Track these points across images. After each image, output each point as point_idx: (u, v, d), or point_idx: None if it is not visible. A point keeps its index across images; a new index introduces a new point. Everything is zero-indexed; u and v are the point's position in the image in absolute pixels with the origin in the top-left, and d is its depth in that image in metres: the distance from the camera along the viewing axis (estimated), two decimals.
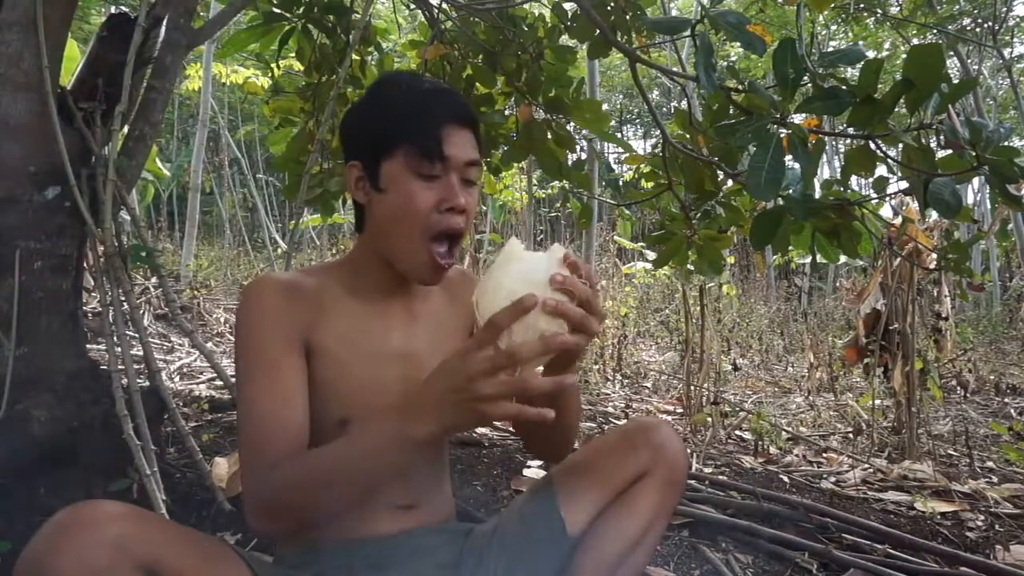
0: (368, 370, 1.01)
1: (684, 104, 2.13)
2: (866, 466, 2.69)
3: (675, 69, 2.25)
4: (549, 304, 0.76)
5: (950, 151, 1.34)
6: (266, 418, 0.92)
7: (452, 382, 0.78)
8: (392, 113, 0.98)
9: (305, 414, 0.95)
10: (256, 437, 0.91)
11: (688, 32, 1.50)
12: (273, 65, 2.51)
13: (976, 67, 11.15)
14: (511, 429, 1.20)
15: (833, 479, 2.54)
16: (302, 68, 2.53)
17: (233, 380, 1.67)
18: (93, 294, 3.92)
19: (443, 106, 0.98)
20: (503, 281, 0.79)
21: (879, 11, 8.04)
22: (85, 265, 1.88)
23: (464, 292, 1.16)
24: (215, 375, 3.49)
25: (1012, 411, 4.58)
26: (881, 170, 1.51)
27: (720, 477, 2.32)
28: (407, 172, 0.96)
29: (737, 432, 3.27)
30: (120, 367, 1.63)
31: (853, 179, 1.61)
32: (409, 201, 0.96)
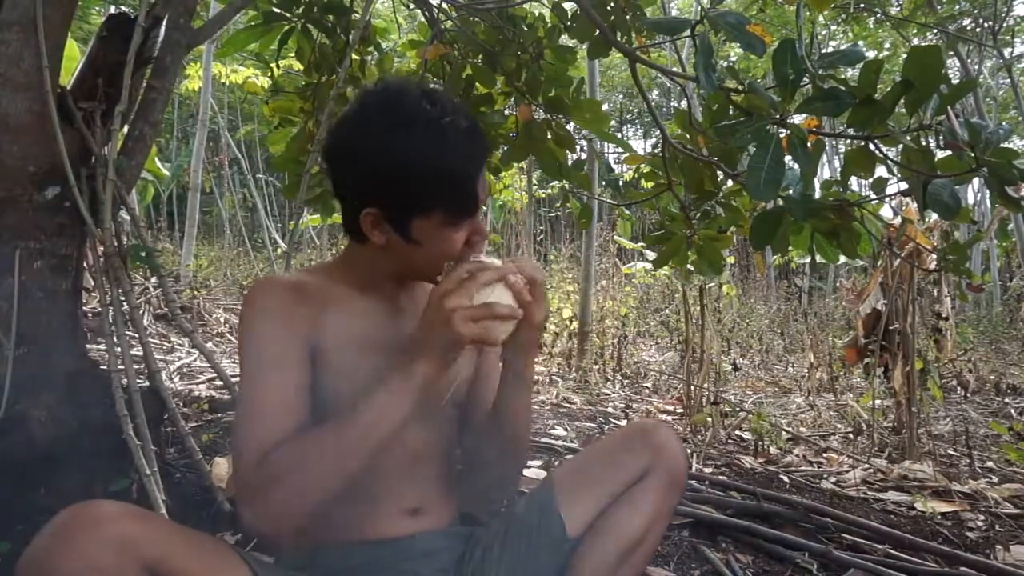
0: (374, 369, 0.99)
1: (684, 104, 2.13)
2: (866, 466, 2.69)
3: (675, 69, 2.25)
4: (510, 278, 0.90)
5: (949, 152, 1.34)
6: (267, 415, 0.90)
7: (430, 312, 0.90)
8: (424, 173, 0.91)
9: (307, 415, 0.94)
10: (252, 431, 0.89)
11: (688, 32, 1.50)
12: (273, 65, 2.51)
13: (976, 67, 11.14)
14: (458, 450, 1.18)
15: (833, 479, 2.54)
16: (302, 68, 2.52)
17: (233, 380, 1.67)
18: (93, 294, 3.92)
19: (476, 157, 0.96)
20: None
21: (879, 11, 8.03)
22: (85, 265, 1.88)
23: None
24: (215, 375, 3.49)
25: (1012, 411, 4.57)
26: (880, 171, 1.51)
27: (720, 477, 2.32)
28: (442, 227, 0.95)
29: (737, 432, 3.27)
30: (120, 367, 1.63)
31: (853, 180, 1.61)
32: (447, 249, 0.96)
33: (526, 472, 2.22)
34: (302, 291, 0.99)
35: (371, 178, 0.94)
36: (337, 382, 0.97)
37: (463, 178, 0.93)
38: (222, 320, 5.67)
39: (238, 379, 0.99)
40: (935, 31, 7.40)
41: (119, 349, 1.66)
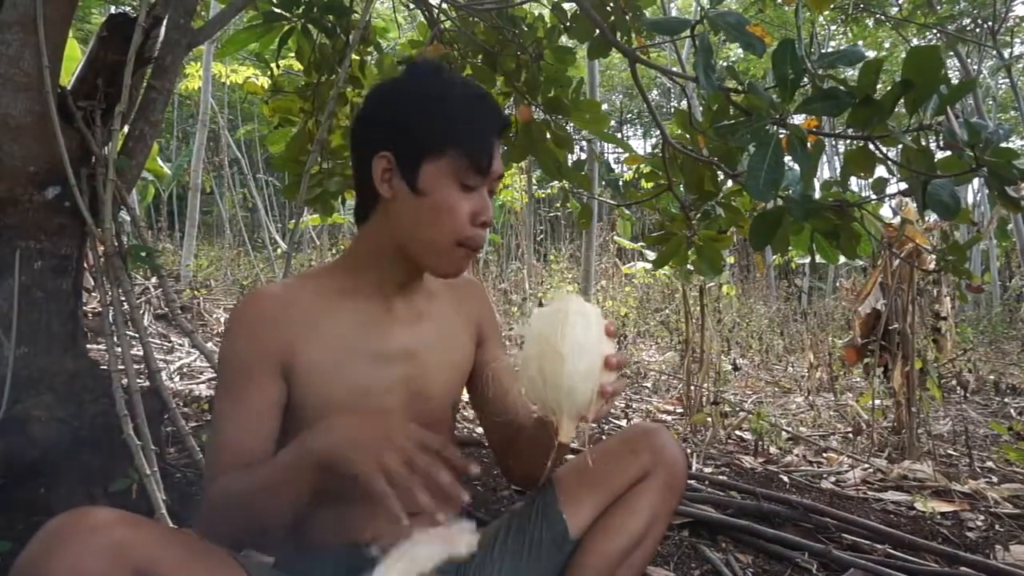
0: (369, 373, 1.00)
1: (684, 104, 2.13)
2: (866, 466, 2.69)
3: (675, 69, 2.25)
4: (607, 389, 0.88)
5: (949, 152, 1.34)
6: (226, 440, 0.94)
7: (369, 433, 0.83)
8: (447, 111, 0.94)
9: (267, 441, 0.95)
10: (214, 455, 0.95)
11: (687, 33, 1.50)
12: (273, 65, 2.51)
13: (976, 67, 11.14)
14: (486, 443, 1.19)
15: (833, 479, 2.54)
16: (302, 68, 2.52)
17: None
18: (93, 294, 3.92)
19: (496, 116, 0.97)
20: (562, 350, 0.87)
21: (879, 12, 8.03)
22: (85, 265, 1.88)
23: (470, 297, 1.16)
24: (215, 375, 3.49)
25: (1012, 411, 4.58)
26: (880, 171, 1.51)
27: (720, 477, 2.32)
28: (451, 179, 0.94)
29: (737, 432, 3.27)
30: (120, 367, 1.63)
31: (852, 180, 1.61)
32: (450, 211, 0.94)
33: None
34: (286, 305, 0.98)
35: (389, 116, 0.97)
36: (327, 389, 0.97)
37: (482, 124, 0.95)
38: (222, 320, 5.67)
39: (214, 392, 1.02)
40: (935, 31, 7.40)
41: (119, 349, 1.66)
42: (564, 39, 2.36)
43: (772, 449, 2.97)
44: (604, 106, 2.68)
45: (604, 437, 2.91)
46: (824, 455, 2.97)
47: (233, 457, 0.93)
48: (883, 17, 8.16)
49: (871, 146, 1.44)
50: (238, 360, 0.97)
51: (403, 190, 0.96)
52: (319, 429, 0.86)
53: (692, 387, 3.47)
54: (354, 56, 2.42)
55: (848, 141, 1.52)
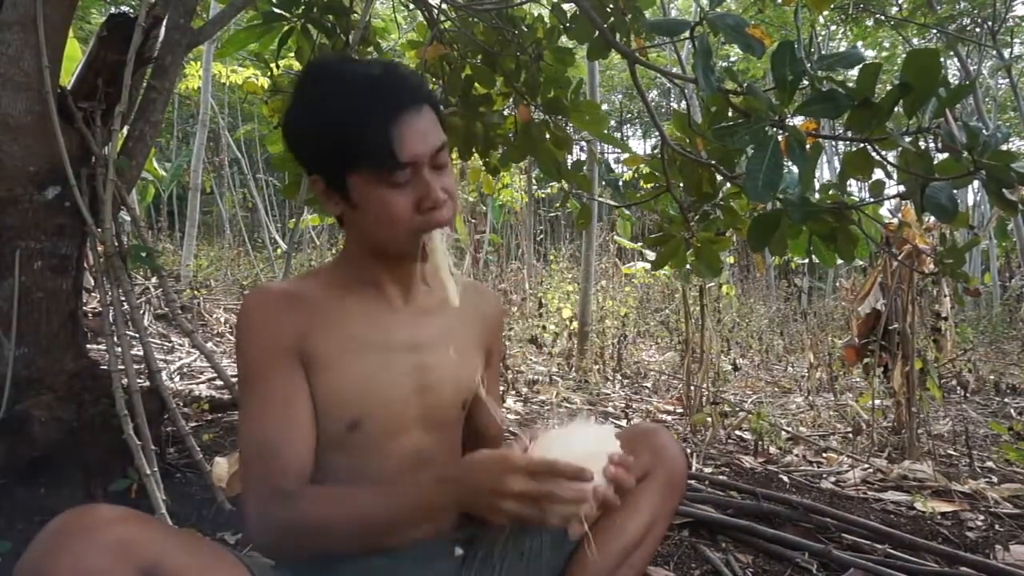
0: (376, 365, 1.00)
1: (683, 105, 2.13)
2: (866, 466, 2.69)
3: (675, 70, 2.25)
4: (600, 491, 0.84)
5: (948, 155, 1.34)
6: (268, 441, 0.92)
7: (488, 484, 0.83)
8: (337, 126, 0.90)
9: (310, 434, 0.95)
10: (259, 462, 0.93)
11: (687, 34, 1.50)
12: (272, 65, 2.51)
13: (976, 67, 11.14)
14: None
15: (833, 479, 2.54)
16: (301, 68, 2.52)
17: (233, 380, 1.67)
18: (93, 294, 3.92)
19: (384, 103, 0.90)
20: (574, 447, 0.88)
21: (879, 12, 8.03)
22: (85, 265, 1.88)
23: (483, 305, 1.15)
24: (215, 375, 3.49)
25: (1012, 411, 4.58)
26: (879, 174, 1.51)
27: (720, 477, 2.32)
28: (374, 184, 0.91)
29: (737, 432, 3.27)
30: (120, 367, 1.63)
31: (851, 182, 1.61)
32: (386, 212, 0.92)
33: None
34: (293, 298, 0.98)
35: (299, 145, 0.96)
36: (337, 381, 0.97)
37: (374, 124, 0.88)
38: (222, 320, 5.67)
39: (238, 394, 1.00)
40: (935, 31, 7.40)
41: (119, 349, 1.67)
42: (564, 40, 2.37)
43: (772, 449, 2.98)
44: (604, 106, 2.68)
45: None
46: (824, 455, 2.97)
47: (284, 464, 0.92)
48: (883, 17, 8.16)
49: (870, 149, 1.44)
50: (259, 355, 0.95)
51: (344, 204, 0.96)
52: (434, 485, 0.88)
53: (692, 387, 3.48)
54: (354, 56, 2.42)
55: (847, 143, 1.52)
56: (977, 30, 8.02)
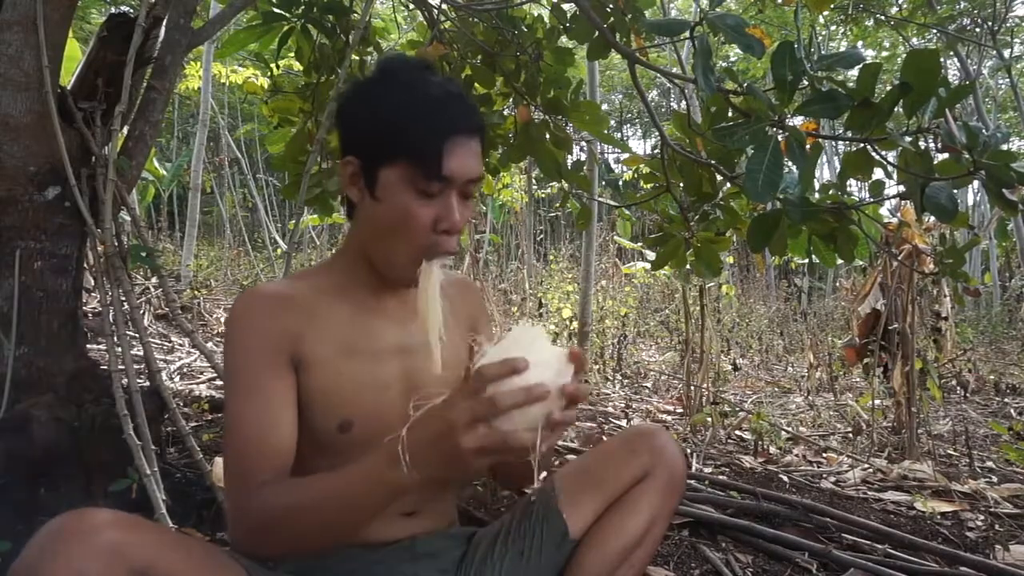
0: (366, 369, 1.00)
1: (683, 105, 2.13)
2: (866, 466, 2.69)
3: (675, 70, 2.25)
4: (555, 418, 0.76)
5: (947, 155, 1.34)
6: (249, 441, 0.92)
7: (434, 430, 0.76)
8: (395, 119, 0.92)
9: (291, 434, 0.94)
10: (239, 460, 0.92)
11: (687, 34, 1.50)
12: (272, 65, 2.51)
13: (976, 67, 11.14)
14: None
15: (833, 479, 2.54)
16: (301, 68, 2.52)
17: None
18: (93, 294, 3.92)
19: (449, 117, 0.93)
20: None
21: (879, 12, 8.03)
22: (85, 265, 1.88)
23: (466, 299, 1.16)
24: (215, 375, 3.49)
25: (1012, 411, 4.58)
26: (878, 173, 1.51)
27: (720, 477, 2.32)
28: (405, 185, 0.92)
29: (737, 432, 3.27)
30: (120, 367, 1.63)
31: (851, 182, 1.61)
32: (405, 218, 0.93)
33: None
34: (285, 300, 0.98)
35: (350, 122, 0.98)
36: (323, 386, 0.97)
37: (430, 130, 0.91)
38: (222, 320, 5.67)
39: (223, 394, 0.99)
40: (935, 31, 7.41)
41: (119, 349, 1.66)
42: (564, 40, 2.37)
43: (772, 449, 2.98)
44: (604, 106, 2.68)
45: (604, 438, 2.91)
46: (824, 455, 2.97)
47: (261, 460, 0.91)
48: (883, 17, 8.16)
49: (869, 149, 1.44)
50: (246, 354, 0.95)
51: (367, 195, 0.96)
52: (388, 459, 0.79)
53: (692, 387, 3.48)
54: (354, 56, 2.42)
55: (847, 143, 1.52)
56: (977, 30, 8.02)
